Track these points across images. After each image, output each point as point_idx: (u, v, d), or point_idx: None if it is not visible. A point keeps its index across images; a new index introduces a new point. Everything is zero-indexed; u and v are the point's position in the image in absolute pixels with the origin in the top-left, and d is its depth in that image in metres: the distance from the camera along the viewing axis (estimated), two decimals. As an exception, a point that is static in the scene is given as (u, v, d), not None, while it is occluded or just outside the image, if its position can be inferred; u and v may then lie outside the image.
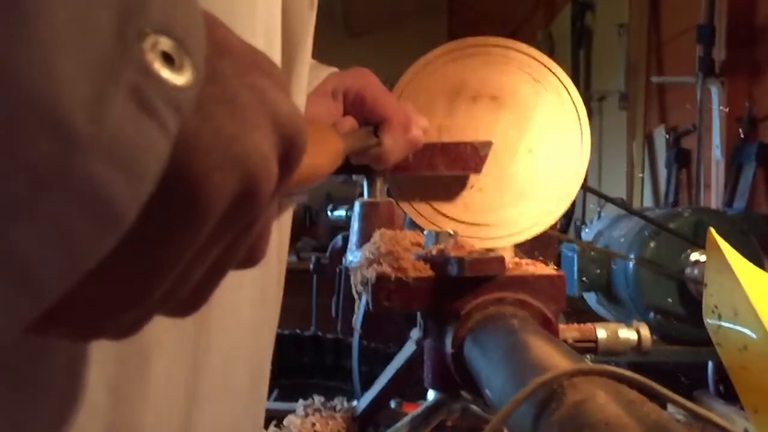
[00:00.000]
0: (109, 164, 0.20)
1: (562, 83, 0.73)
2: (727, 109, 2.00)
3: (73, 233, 0.20)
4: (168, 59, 0.21)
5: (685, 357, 1.42)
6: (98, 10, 0.20)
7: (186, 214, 0.23)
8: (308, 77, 0.57)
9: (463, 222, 0.72)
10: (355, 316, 1.03)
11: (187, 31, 0.22)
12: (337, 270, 1.22)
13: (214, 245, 0.26)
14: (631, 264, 1.41)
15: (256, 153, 0.25)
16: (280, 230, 0.55)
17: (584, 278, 1.53)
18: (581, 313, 1.60)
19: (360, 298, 0.62)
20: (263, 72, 0.27)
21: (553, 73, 0.73)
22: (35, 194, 0.19)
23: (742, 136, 1.94)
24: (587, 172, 0.71)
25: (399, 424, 0.66)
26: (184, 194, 0.23)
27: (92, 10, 0.19)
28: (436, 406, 0.65)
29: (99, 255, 0.21)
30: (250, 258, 0.30)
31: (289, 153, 0.27)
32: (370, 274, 0.57)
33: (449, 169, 0.71)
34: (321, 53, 0.64)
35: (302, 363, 2.15)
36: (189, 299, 0.28)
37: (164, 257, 0.23)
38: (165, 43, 0.21)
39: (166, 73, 0.21)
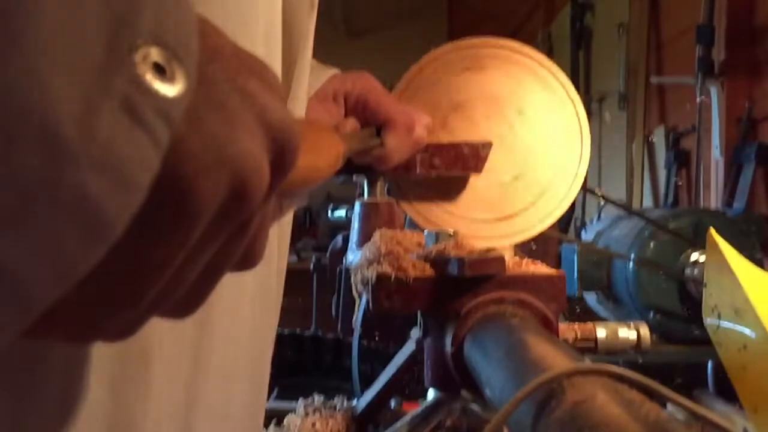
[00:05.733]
0: (100, 176, 0.20)
1: (561, 84, 0.73)
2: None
3: (62, 244, 0.20)
4: (160, 69, 0.21)
5: (685, 357, 1.42)
6: (90, 23, 0.20)
7: (176, 217, 0.23)
8: (309, 78, 0.57)
9: (463, 222, 0.72)
10: (355, 316, 1.03)
11: (179, 40, 0.22)
12: (338, 270, 1.22)
13: (207, 247, 0.26)
14: (631, 264, 1.41)
15: (245, 155, 0.25)
16: (281, 231, 0.55)
17: (585, 277, 1.53)
18: (581, 313, 1.60)
19: (360, 298, 0.62)
20: (254, 75, 0.27)
21: (552, 73, 0.73)
22: (25, 205, 0.19)
23: (741, 136, 1.94)
24: (587, 172, 0.72)
25: (399, 424, 0.66)
26: (173, 197, 0.23)
27: (83, 23, 0.19)
28: (436, 405, 0.65)
29: (88, 265, 0.21)
30: (247, 260, 0.30)
31: (281, 155, 0.27)
32: (371, 273, 0.57)
33: (449, 169, 0.71)
34: (321, 53, 0.63)
35: (302, 363, 2.15)
36: (185, 301, 0.28)
37: (155, 260, 0.23)
38: (157, 54, 0.21)
39: (157, 84, 0.21)
